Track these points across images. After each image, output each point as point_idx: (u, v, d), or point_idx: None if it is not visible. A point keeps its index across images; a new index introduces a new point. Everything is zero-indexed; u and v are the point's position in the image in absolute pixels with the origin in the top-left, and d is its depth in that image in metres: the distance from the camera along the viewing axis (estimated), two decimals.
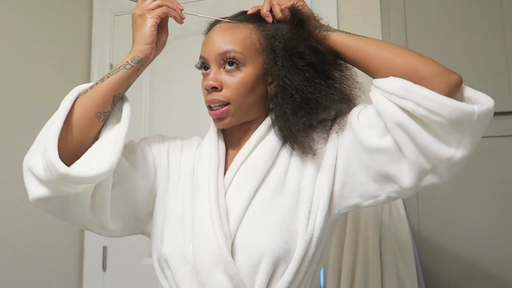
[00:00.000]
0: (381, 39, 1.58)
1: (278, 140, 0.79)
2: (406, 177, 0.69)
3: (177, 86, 1.79)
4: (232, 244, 0.72)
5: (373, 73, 0.75)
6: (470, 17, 1.49)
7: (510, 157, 1.42)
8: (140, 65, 0.77)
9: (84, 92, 0.75)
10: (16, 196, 1.52)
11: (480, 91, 0.69)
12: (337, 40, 0.77)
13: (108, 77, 0.75)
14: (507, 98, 1.42)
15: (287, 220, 0.72)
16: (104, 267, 1.79)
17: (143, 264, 1.73)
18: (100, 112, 0.74)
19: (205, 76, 0.81)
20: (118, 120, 0.77)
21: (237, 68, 0.77)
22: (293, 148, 0.78)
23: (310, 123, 0.78)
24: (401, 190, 0.72)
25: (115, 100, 0.76)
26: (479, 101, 0.67)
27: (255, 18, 0.81)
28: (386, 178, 0.72)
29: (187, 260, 0.74)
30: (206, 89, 0.79)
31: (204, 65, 0.81)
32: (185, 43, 1.68)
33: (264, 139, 0.80)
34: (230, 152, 0.84)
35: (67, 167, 0.66)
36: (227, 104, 0.77)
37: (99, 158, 0.71)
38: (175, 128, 1.78)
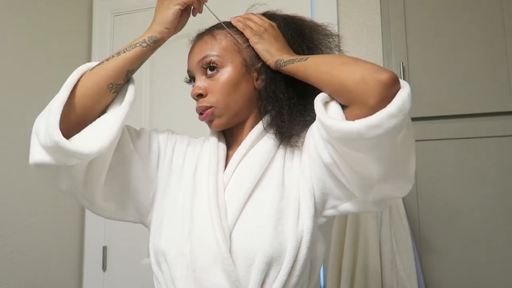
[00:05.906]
0: (381, 39, 1.58)
1: (274, 140, 0.79)
2: (354, 190, 0.71)
3: (178, 84, 1.78)
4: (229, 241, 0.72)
5: None
6: (470, 17, 1.49)
7: (510, 157, 1.42)
8: (156, 45, 0.78)
9: (97, 65, 0.77)
10: (17, 196, 1.52)
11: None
12: (287, 71, 0.77)
13: (124, 52, 0.76)
14: (507, 98, 1.41)
15: (281, 221, 0.72)
16: (104, 267, 1.79)
17: (143, 264, 1.73)
18: (112, 84, 0.75)
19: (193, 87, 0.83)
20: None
21: (217, 71, 0.79)
22: (286, 146, 0.78)
23: (304, 118, 0.78)
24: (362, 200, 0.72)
25: (128, 74, 0.77)
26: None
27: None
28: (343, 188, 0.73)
29: (184, 257, 0.74)
30: (193, 98, 0.81)
31: (191, 78, 0.85)
32: (186, 42, 1.68)
33: (261, 139, 0.80)
34: (230, 152, 0.85)
35: (62, 136, 0.67)
36: (211, 107, 0.79)
37: (95, 137, 0.72)
38: (175, 127, 1.76)
